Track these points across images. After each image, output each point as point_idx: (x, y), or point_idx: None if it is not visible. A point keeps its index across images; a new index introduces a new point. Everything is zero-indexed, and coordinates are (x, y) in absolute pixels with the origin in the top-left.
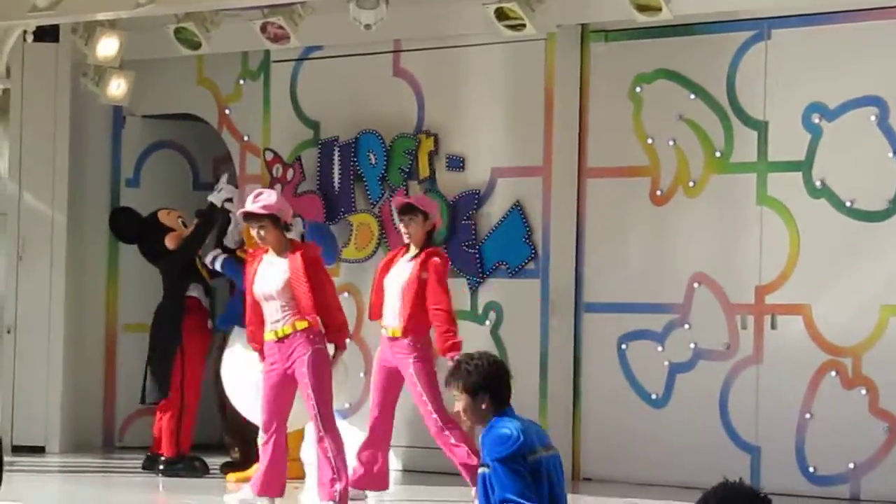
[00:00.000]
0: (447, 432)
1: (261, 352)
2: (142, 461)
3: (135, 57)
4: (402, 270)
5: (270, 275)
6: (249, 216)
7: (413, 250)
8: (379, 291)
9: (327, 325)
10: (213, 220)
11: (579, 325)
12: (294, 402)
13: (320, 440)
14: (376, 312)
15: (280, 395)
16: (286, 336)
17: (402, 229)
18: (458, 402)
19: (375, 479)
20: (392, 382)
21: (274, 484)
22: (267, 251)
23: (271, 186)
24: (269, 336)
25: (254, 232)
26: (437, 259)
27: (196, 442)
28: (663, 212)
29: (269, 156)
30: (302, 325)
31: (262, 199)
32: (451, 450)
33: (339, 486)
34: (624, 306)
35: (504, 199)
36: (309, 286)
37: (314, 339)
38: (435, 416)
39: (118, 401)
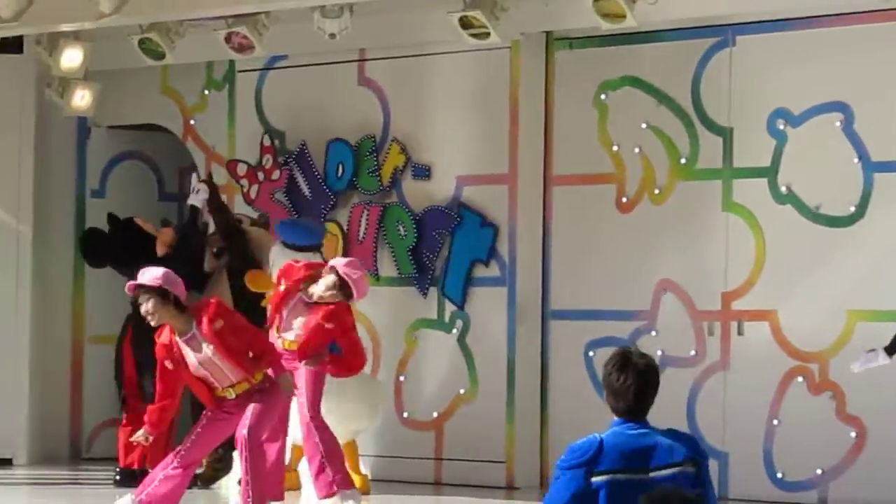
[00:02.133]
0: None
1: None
2: (112, 473)
3: (99, 68)
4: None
5: None
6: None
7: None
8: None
9: None
10: (197, 221)
11: (546, 332)
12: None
13: None
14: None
15: None
16: None
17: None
18: None
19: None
20: None
21: None
22: None
23: (255, 170)
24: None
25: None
26: None
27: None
28: (629, 219)
29: (268, 141)
30: None
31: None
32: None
33: None
34: (591, 313)
35: (469, 207)
36: None
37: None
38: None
39: (85, 412)
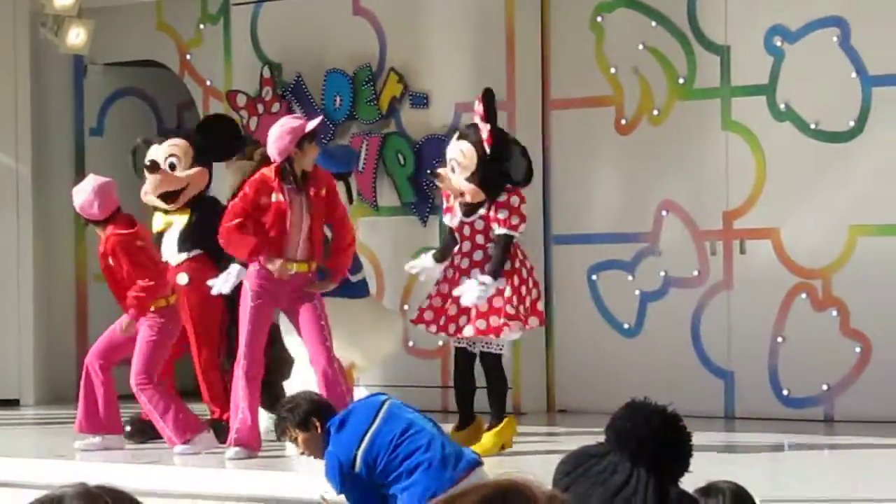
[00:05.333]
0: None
1: None
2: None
3: (93, 5)
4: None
5: None
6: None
7: None
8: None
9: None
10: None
11: (549, 257)
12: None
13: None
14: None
15: None
16: None
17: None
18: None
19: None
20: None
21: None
22: None
23: (254, 102)
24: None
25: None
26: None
27: None
28: (629, 141)
29: (268, 73)
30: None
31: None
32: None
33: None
34: (592, 237)
35: None
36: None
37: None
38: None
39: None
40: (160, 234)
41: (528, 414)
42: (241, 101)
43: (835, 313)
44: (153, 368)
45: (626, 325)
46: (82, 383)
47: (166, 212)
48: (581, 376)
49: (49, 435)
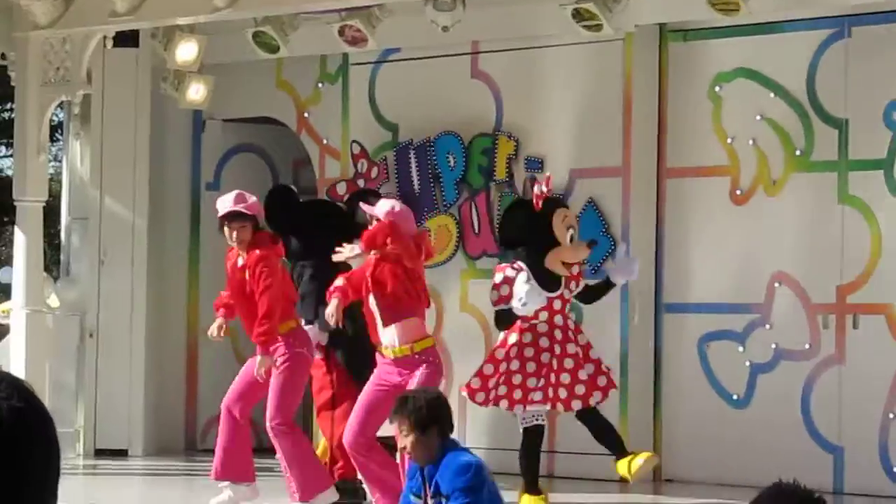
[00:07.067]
0: None
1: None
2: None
3: (214, 61)
4: None
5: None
6: (235, 216)
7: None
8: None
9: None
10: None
11: (660, 325)
12: None
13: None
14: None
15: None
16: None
17: None
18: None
19: None
20: None
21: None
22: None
23: (354, 181)
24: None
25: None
26: None
27: None
28: (743, 211)
29: (357, 149)
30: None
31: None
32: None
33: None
34: (704, 306)
35: (582, 200)
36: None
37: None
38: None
39: (200, 403)
40: None
41: (635, 483)
42: (343, 189)
43: None
44: (288, 411)
45: (735, 396)
46: (220, 429)
47: None
48: (688, 446)
49: (156, 486)
